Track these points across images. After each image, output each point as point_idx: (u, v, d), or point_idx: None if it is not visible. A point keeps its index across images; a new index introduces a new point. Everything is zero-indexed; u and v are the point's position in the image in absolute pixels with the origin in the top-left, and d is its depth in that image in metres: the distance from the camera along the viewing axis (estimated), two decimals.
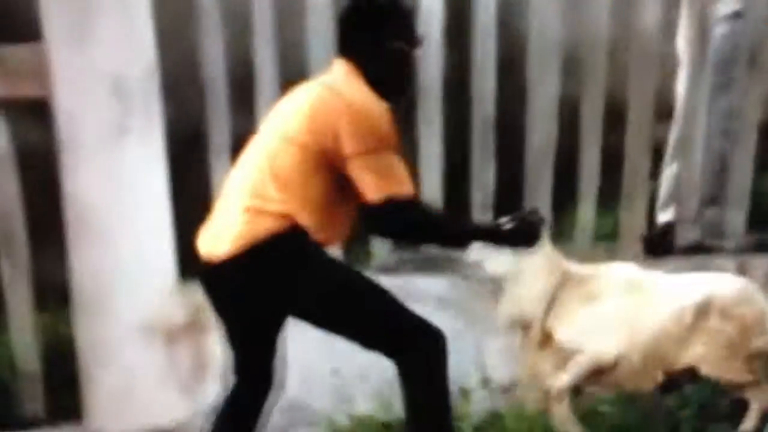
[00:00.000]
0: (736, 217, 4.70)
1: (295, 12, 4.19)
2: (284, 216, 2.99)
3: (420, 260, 4.44)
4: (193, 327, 4.26)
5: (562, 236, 4.74)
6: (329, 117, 2.99)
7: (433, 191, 4.48)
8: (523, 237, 3.36)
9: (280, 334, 3.28)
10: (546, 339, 3.65)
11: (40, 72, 3.83)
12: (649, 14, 4.35)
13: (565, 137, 4.52)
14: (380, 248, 4.45)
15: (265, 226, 2.99)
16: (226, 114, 4.21)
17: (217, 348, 4.06)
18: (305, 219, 3.00)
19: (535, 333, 3.63)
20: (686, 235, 4.69)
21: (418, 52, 3.29)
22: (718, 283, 3.66)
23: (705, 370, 3.57)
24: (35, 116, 4.04)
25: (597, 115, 4.49)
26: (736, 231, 4.70)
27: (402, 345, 3.08)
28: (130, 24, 3.96)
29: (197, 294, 4.09)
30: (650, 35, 4.39)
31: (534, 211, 3.50)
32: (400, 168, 3.01)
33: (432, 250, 4.25)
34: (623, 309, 3.58)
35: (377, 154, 2.97)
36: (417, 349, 3.08)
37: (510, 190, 4.56)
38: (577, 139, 4.53)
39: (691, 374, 3.65)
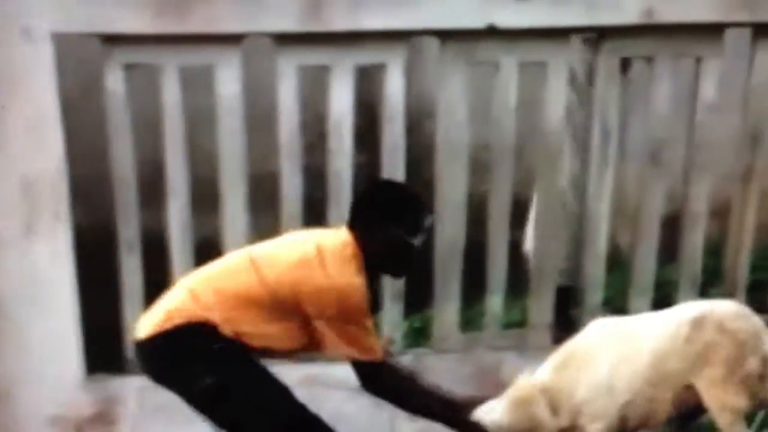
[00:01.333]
0: (641, 306, 4.82)
1: (204, 113, 4.27)
2: (205, 317, 3.20)
3: None
4: (101, 419, 4.30)
5: (470, 325, 4.85)
6: (301, 281, 3.21)
7: None
8: None
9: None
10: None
11: None
12: (553, 115, 4.49)
13: (475, 231, 4.63)
14: None
15: (184, 318, 3.21)
16: (135, 211, 4.28)
17: None
18: (225, 330, 3.20)
19: None
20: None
21: (420, 241, 3.38)
22: (713, 303, 3.75)
23: (703, 388, 3.55)
24: None
25: (504, 210, 4.61)
26: None
27: None
28: (40, 127, 4.03)
29: (106, 386, 4.13)
30: (554, 135, 4.53)
31: None
32: (364, 335, 3.25)
33: None
34: (618, 359, 3.60)
35: (340, 323, 3.21)
36: None
37: (420, 280, 4.65)
38: (485, 233, 4.65)
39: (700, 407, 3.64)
